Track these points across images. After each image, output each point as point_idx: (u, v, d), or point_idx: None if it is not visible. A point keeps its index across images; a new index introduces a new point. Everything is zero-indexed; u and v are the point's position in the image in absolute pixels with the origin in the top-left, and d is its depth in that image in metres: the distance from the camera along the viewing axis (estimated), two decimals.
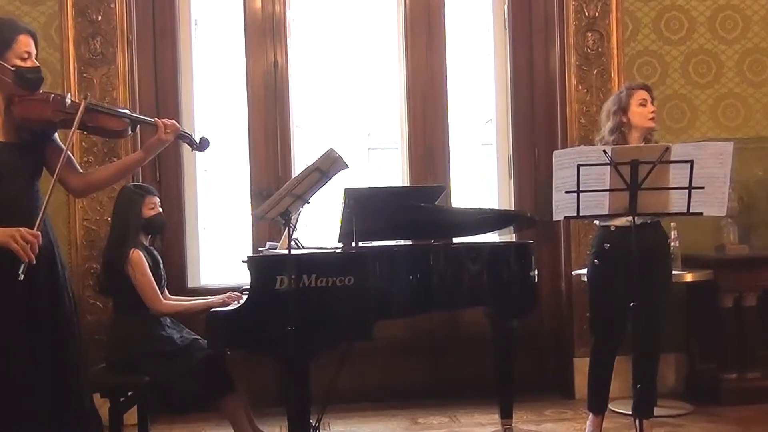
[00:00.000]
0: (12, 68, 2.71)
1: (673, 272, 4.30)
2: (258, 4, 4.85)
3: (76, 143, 4.26)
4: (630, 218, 3.28)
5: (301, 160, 4.96)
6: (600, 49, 4.73)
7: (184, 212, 4.82)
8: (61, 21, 4.40)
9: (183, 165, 4.79)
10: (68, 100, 2.79)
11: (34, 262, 2.55)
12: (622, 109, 3.78)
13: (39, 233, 2.58)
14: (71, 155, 2.91)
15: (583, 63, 4.73)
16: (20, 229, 2.55)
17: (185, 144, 3.12)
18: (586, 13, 4.72)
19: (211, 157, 5.25)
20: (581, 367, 4.12)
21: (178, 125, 3.00)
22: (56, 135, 2.91)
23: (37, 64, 2.79)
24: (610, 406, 4.10)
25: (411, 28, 4.97)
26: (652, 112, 3.79)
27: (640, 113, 3.77)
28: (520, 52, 5.02)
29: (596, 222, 3.92)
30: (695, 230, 4.52)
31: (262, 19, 4.85)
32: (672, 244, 4.42)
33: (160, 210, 3.77)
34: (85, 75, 4.41)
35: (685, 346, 4.74)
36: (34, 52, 2.77)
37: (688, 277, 4.35)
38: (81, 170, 3.02)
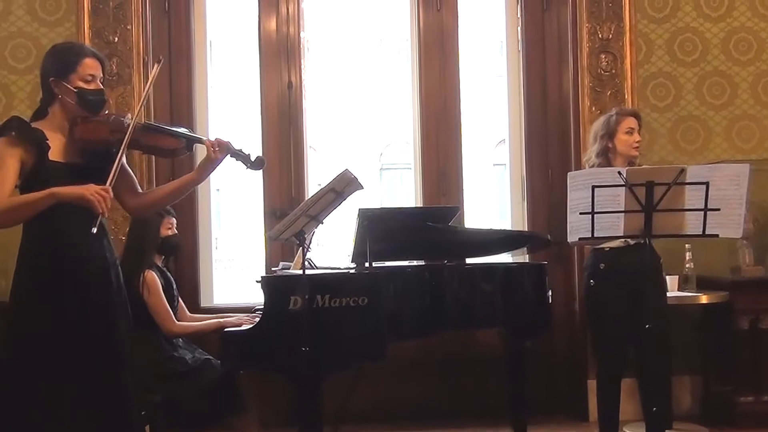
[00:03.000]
0: (75, 90, 2.78)
1: (689, 294, 4.30)
2: (273, 25, 4.89)
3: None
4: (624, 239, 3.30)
5: (315, 180, 4.97)
6: (613, 71, 4.73)
7: (198, 232, 4.83)
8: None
9: None
10: (127, 121, 2.83)
11: (107, 215, 2.78)
12: (609, 134, 3.79)
13: (111, 189, 2.70)
14: (133, 176, 3.01)
15: (596, 84, 4.73)
16: (91, 185, 2.68)
17: (240, 163, 3.00)
18: (600, 35, 4.73)
19: (224, 177, 5.26)
20: (595, 388, 4.09)
21: (231, 144, 2.94)
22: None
23: (101, 86, 2.85)
24: (625, 429, 4.06)
25: (424, 49, 4.99)
26: (637, 141, 3.79)
27: (625, 141, 3.77)
28: (533, 74, 5.02)
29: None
30: (710, 252, 4.50)
31: (277, 40, 4.88)
32: (687, 265, 4.42)
33: (176, 231, 3.79)
34: None
35: (701, 368, 4.70)
36: (99, 75, 2.85)
37: (704, 299, 4.33)
38: (140, 190, 3.08)
